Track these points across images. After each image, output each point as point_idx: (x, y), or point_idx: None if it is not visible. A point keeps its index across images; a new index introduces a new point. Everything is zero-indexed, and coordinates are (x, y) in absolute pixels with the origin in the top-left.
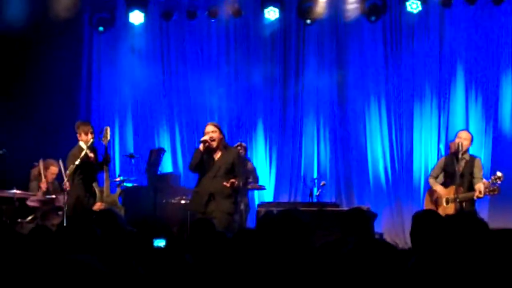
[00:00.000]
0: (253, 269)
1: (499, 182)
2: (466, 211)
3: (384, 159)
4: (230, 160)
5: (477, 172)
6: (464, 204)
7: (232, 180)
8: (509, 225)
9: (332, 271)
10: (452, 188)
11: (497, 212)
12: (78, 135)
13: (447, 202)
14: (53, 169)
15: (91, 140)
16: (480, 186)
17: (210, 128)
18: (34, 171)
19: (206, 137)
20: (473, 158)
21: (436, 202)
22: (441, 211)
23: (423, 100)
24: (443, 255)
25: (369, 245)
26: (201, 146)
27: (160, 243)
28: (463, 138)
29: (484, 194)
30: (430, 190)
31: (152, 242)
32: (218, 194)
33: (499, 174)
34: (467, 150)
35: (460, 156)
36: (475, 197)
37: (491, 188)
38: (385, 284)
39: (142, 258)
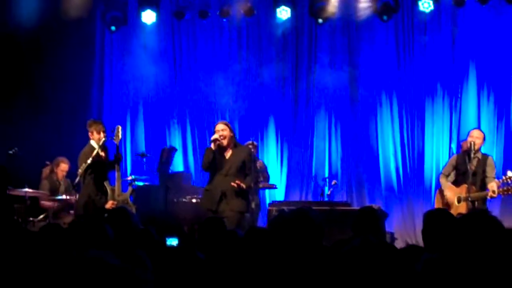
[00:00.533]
0: (264, 268)
1: (510, 181)
2: (479, 210)
3: (396, 159)
4: (241, 158)
5: (490, 170)
6: (476, 203)
7: (238, 181)
8: None
9: (342, 270)
10: (464, 187)
11: (508, 211)
12: (90, 133)
13: (459, 201)
14: (63, 166)
15: (103, 139)
16: (493, 186)
17: (220, 126)
18: (45, 170)
19: (216, 136)
20: (485, 156)
21: (448, 200)
22: (453, 210)
23: (435, 99)
24: (457, 254)
25: (373, 246)
26: (212, 145)
27: (172, 241)
28: (475, 137)
29: (498, 193)
30: (441, 189)
31: (164, 241)
32: (229, 193)
33: (510, 173)
34: (479, 149)
35: (472, 155)
36: (488, 197)
37: (505, 188)
38: (396, 283)
39: (155, 257)
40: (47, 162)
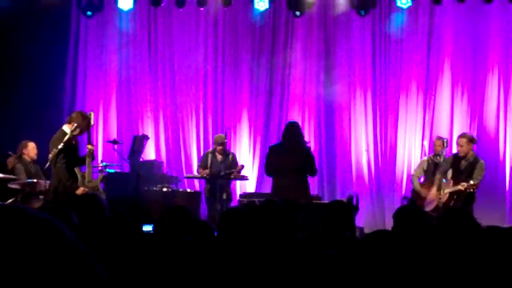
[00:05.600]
0: (234, 259)
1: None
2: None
3: (368, 153)
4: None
5: (476, 173)
6: (456, 196)
7: None
8: (492, 223)
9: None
10: (449, 182)
11: (477, 209)
12: (69, 121)
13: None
14: (31, 145)
15: (77, 130)
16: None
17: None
18: (10, 160)
19: None
20: (477, 160)
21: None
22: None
23: (409, 96)
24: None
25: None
26: None
27: (147, 228)
28: (459, 146)
29: (466, 188)
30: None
31: (141, 227)
32: None
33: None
34: (467, 154)
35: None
36: (457, 189)
37: (471, 184)
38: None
39: (129, 244)
40: (10, 153)
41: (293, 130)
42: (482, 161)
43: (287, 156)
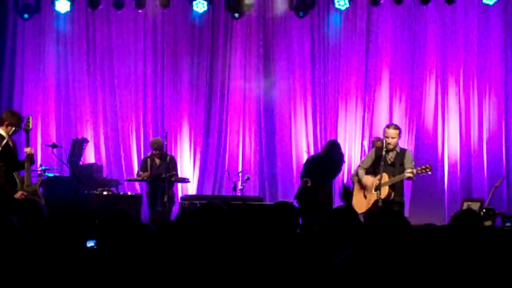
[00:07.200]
0: (176, 262)
1: (429, 172)
2: (390, 203)
3: (308, 154)
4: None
5: (408, 162)
6: (393, 194)
7: None
8: (431, 221)
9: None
10: (382, 175)
11: (417, 208)
12: (0, 122)
13: (376, 189)
14: None
15: (13, 128)
16: (409, 170)
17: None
18: None
19: None
20: (403, 150)
21: (366, 185)
22: (369, 196)
23: (349, 96)
24: (367, 250)
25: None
26: None
27: (91, 243)
28: (390, 137)
29: (416, 172)
30: (359, 180)
31: (84, 242)
32: None
33: (428, 165)
34: (395, 146)
35: (385, 152)
36: (406, 177)
37: (423, 167)
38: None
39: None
40: None
41: (328, 146)
42: (409, 150)
43: (315, 166)
